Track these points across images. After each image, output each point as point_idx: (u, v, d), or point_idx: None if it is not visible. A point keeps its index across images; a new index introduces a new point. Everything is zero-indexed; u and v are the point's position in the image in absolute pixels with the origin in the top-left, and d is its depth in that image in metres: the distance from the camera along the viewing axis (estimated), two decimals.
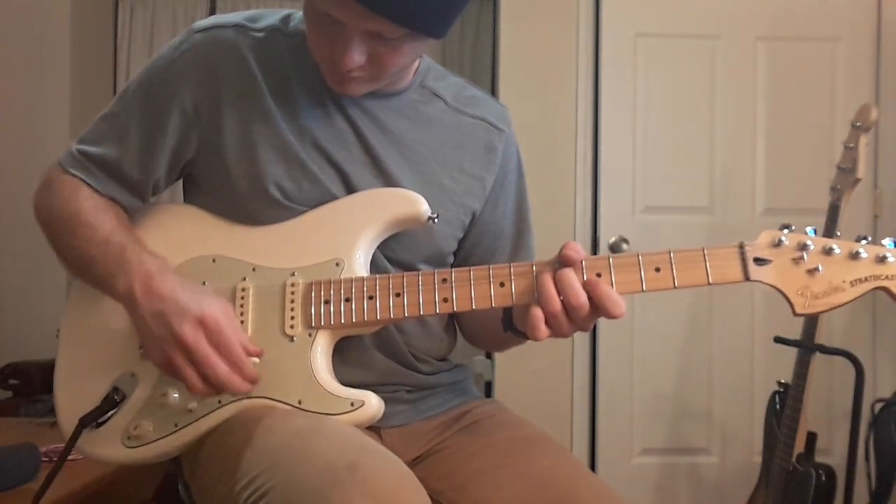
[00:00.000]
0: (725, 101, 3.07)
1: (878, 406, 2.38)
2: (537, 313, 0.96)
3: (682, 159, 3.07)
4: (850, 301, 0.96)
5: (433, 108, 1.17)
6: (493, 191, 1.21)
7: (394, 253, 1.11)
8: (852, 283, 0.95)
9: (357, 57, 0.98)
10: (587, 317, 0.95)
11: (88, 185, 1.11)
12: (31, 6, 3.11)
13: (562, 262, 0.97)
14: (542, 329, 0.96)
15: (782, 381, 2.28)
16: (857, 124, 2.08)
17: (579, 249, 0.97)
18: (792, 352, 2.22)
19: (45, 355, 2.46)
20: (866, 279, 0.95)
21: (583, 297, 0.94)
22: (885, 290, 0.96)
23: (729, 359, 3.06)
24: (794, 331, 2.22)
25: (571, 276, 0.95)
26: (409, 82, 1.15)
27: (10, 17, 3.10)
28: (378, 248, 1.10)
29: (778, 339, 2.30)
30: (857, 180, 2.08)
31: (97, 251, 1.05)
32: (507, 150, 1.22)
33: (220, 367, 0.97)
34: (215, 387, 0.98)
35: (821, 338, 2.19)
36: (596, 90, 3.05)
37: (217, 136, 1.08)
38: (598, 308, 0.95)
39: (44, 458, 1.65)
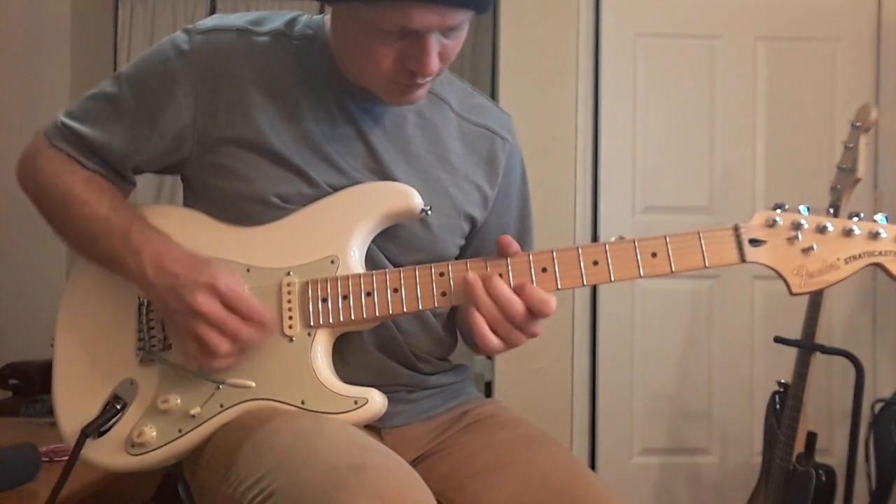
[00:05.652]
0: (725, 100, 3.06)
1: (878, 406, 2.38)
2: (479, 321, 0.97)
3: (682, 159, 3.06)
4: (846, 278, 0.96)
5: (439, 114, 1.17)
6: (496, 201, 1.21)
7: (394, 259, 1.11)
8: (846, 261, 0.96)
9: (436, 59, 0.99)
10: (527, 321, 0.97)
11: (75, 160, 1.10)
12: (32, 6, 3.11)
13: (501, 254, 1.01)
14: (491, 336, 0.97)
15: (782, 381, 2.27)
16: (857, 124, 2.07)
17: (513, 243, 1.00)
18: (792, 352, 2.22)
19: (45, 355, 2.44)
20: (860, 256, 0.96)
21: (517, 303, 0.96)
22: (880, 265, 0.96)
23: (729, 359, 3.05)
24: (794, 331, 2.22)
25: (499, 285, 0.97)
26: None
27: (11, 17, 3.10)
28: (379, 252, 1.09)
29: (778, 339, 2.29)
30: (857, 180, 2.07)
31: (99, 229, 1.05)
32: (510, 159, 1.22)
33: (241, 326, 0.99)
34: (241, 343, 0.99)
35: (821, 338, 2.19)
36: (596, 90, 3.05)
37: (212, 141, 1.07)
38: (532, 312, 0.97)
39: (44, 459, 1.65)
